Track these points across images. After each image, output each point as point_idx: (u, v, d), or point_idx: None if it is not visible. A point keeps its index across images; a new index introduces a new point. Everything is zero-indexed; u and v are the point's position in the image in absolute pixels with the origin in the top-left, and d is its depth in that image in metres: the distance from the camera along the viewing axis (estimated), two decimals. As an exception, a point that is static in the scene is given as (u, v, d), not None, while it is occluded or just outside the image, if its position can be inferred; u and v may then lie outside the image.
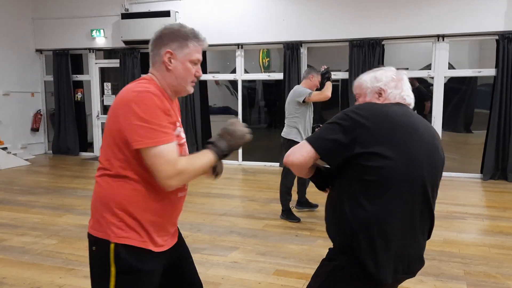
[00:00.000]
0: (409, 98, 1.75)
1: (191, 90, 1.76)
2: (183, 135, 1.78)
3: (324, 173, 1.75)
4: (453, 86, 8.12)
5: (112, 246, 1.57)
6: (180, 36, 1.68)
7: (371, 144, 1.54)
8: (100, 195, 1.63)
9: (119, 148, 1.58)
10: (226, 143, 1.71)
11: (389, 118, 1.59)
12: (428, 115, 7.28)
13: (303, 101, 4.80)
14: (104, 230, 1.59)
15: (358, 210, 1.55)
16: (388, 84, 1.72)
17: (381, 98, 1.72)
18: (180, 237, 1.87)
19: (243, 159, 8.52)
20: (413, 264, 1.67)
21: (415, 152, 1.58)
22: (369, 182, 1.54)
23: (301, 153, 1.63)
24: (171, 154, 1.54)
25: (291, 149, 1.68)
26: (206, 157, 1.67)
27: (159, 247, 1.66)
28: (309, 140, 1.65)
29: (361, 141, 1.54)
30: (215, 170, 1.79)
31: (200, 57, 1.73)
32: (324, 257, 1.72)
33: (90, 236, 1.65)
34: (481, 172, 7.19)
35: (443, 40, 7.15)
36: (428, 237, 1.74)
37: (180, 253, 1.85)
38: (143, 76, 1.73)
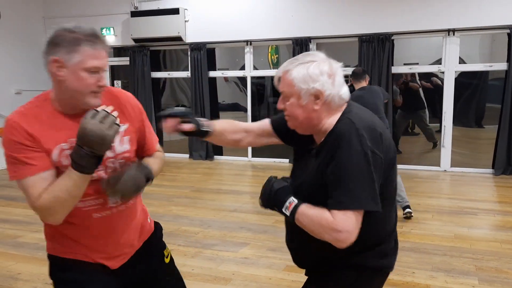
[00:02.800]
0: (346, 94, 1.52)
1: (92, 102, 1.45)
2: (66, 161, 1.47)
3: None
4: (464, 80, 8.04)
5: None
6: (68, 39, 1.39)
7: (385, 172, 1.48)
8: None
9: None
10: (85, 150, 1.37)
11: (380, 135, 1.47)
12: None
13: None
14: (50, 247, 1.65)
15: (374, 225, 1.51)
16: (326, 84, 1.46)
17: (318, 102, 1.47)
18: (152, 258, 1.76)
19: (252, 156, 8.49)
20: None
21: (394, 153, 1.56)
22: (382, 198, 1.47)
23: (357, 226, 1.39)
24: (31, 190, 1.40)
25: (341, 226, 1.37)
26: (65, 178, 1.40)
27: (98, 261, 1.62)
28: (353, 207, 1.38)
29: (382, 174, 1.47)
30: (110, 184, 1.48)
31: (99, 63, 1.42)
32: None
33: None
34: (493, 167, 7.12)
35: (453, 34, 7.09)
36: None
37: (147, 274, 1.74)
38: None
